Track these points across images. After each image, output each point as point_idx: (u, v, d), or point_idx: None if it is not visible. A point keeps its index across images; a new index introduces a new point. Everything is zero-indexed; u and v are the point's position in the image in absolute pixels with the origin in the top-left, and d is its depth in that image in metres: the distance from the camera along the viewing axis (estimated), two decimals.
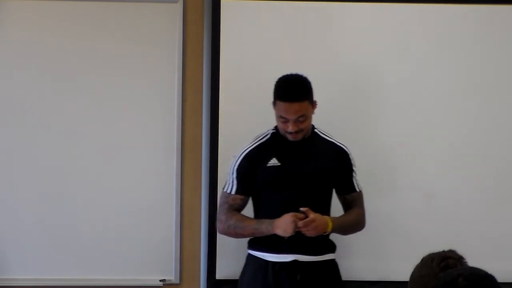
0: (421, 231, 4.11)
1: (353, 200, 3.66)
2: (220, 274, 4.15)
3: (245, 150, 3.69)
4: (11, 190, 4.19)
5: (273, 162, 3.61)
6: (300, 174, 3.57)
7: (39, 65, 4.21)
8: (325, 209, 3.59)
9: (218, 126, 4.17)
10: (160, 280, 4.23)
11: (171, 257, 4.22)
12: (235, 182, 3.68)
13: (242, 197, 3.67)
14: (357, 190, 3.68)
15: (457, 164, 4.19)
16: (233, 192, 3.68)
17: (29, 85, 4.21)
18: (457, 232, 4.12)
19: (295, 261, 3.53)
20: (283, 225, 3.47)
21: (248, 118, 4.16)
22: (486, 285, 1.97)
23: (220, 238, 4.13)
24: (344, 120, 4.13)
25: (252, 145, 3.68)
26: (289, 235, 3.48)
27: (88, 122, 4.21)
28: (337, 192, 3.68)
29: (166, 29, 4.24)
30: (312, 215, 3.45)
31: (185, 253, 4.25)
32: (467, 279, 1.96)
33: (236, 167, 3.67)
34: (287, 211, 3.49)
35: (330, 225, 3.49)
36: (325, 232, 3.50)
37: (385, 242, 4.11)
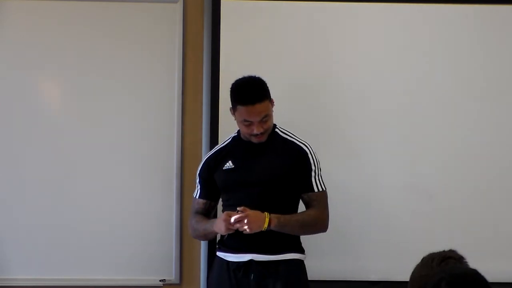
0: (421, 231, 4.11)
1: (310, 200, 3.59)
2: None
3: (206, 156, 3.75)
4: (11, 190, 4.19)
5: (228, 165, 3.63)
6: (253, 175, 3.56)
7: (39, 65, 4.21)
8: (281, 209, 3.54)
9: (218, 126, 4.17)
10: (160, 280, 4.23)
11: (171, 257, 4.22)
12: (198, 187, 3.74)
13: (204, 201, 3.71)
14: (316, 190, 3.59)
15: (457, 164, 4.19)
16: (197, 197, 3.74)
17: (29, 85, 4.20)
18: (457, 232, 4.12)
19: (250, 261, 3.54)
20: (218, 223, 3.51)
21: None
22: (470, 283, 1.95)
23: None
24: (344, 120, 4.13)
25: (213, 151, 3.74)
26: (224, 233, 3.51)
27: (88, 122, 4.21)
28: (298, 192, 3.64)
29: (166, 29, 4.24)
30: (248, 212, 3.45)
31: (185, 253, 4.25)
32: (450, 284, 1.94)
33: (198, 172, 3.74)
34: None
35: (267, 220, 3.46)
36: (262, 229, 3.46)
37: (385, 242, 4.11)
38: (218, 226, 3.51)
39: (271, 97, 3.57)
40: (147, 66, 4.23)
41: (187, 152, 4.26)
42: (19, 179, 4.19)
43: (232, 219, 3.45)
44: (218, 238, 3.72)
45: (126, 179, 4.21)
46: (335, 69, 4.18)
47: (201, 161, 3.79)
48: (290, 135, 3.65)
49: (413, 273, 2.32)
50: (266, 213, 3.48)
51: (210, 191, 3.70)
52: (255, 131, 3.52)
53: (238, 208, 3.47)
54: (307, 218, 3.56)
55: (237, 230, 3.46)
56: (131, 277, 4.21)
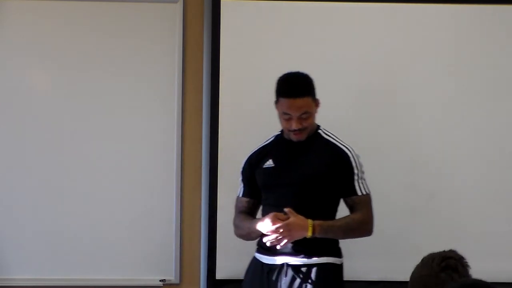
0: (421, 231, 4.12)
1: (354, 203, 3.54)
2: (220, 274, 4.15)
3: (249, 154, 3.68)
4: (11, 190, 4.19)
5: (269, 163, 3.58)
6: (292, 175, 3.52)
7: (39, 65, 4.21)
8: (319, 211, 3.50)
9: (218, 126, 4.17)
10: (160, 280, 4.23)
11: (171, 257, 4.23)
12: (242, 186, 3.69)
13: (247, 199, 3.66)
14: (359, 193, 3.54)
15: (457, 164, 4.19)
16: (240, 195, 3.68)
17: (28, 85, 4.21)
18: (457, 232, 4.12)
19: (284, 264, 3.51)
20: (262, 223, 3.47)
21: (248, 118, 4.16)
22: None
23: (220, 238, 4.14)
24: (344, 120, 4.13)
25: (255, 148, 3.67)
26: (269, 231, 3.43)
27: (88, 122, 4.21)
28: (339, 195, 3.62)
29: (166, 29, 4.24)
30: (292, 217, 3.40)
31: (185, 253, 4.25)
32: None
33: (241, 170, 3.68)
34: (279, 211, 3.46)
35: (310, 229, 3.41)
36: (305, 236, 3.41)
37: (385, 242, 4.10)
38: (263, 226, 3.45)
39: (317, 98, 3.51)
40: (147, 66, 4.23)
41: (187, 152, 4.26)
42: (19, 179, 4.19)
43: (273, 228, 3.38)
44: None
45: (126, 179, 4.21)
46: (335, 69, 4.18)
47: (244, 158, 3.69)
48: (333, 137, 3.59)
49: (413, 273, 2.32)
50: (309, 220, 3.41)
51: (253, 189, 3.63)
52: (293, 126, 3.46)
53: (285, 209, 3.41)
54: (351, 223, 3.50)
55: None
56: (131, 277, 4.21)
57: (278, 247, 3.41)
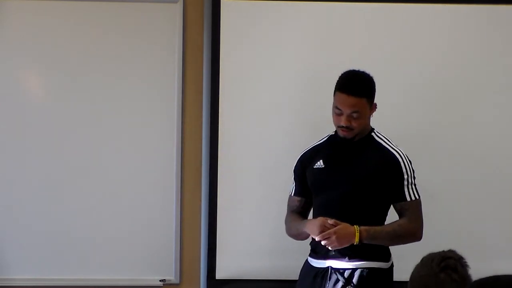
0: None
1: (402, 209, 3.49)
2: (220, 274, 4.15)
3: (302, 152, 3.64)
4: (11, 190, 4.19)
5: (319, 164, 3.53)
6: (341, 177, 3.48)
7: (39, 65, 4.21)
8: (367, 216, 3.45)
9: (218, 126, 4.17)
10: (160, 280, 4.23)
11: (171, 257, 4.22)
12: (293, 184, 3.64)
13: (299, 198, 3.62)
14: (409, 199, 3.49)
15: (457, 164, 4.19)
16: (292, 194, 3.65)
17: (29, 85, 4.21)
18: (457, 232, 4.12)
19: (329, 267, 3.49)
20: (311, 225, 3.44)
21: (248, 118, 4.16)
22: None
23: (220, 238, 4.14)
24: None
25: (308, 147, 3.62)
26: (316, 236, 3.40)
27: (88, 122, 4.21)
28: (389, 200, 3.54)
29: (166, 29, 4.24)
30: (338, 227, 3.36)
31: (185, 253, 4.25)
32: None
33: (293, 169, 3.64)
34: (326, 213, 3.43)
35: (357, 236, 3.37)
36: (352, 243, 3.37)
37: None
38: (311, 228, 3.43)
39: (374, 101, 3.49)
40: (147, 66, 4.23)
41: (187, 152, 4.26)
42: (19, 179, 4.19)
43: (317, 238, 3.36)
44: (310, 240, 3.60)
45: (126, 179, 4.21)
46: (335, 69, 4.17)
47: (298, 157, 3.66)
48: (386, 141, 3.54)
49: (412, 273, 2.32)
50: (355, 226, 3.38)
51: (305, 188, 3.59)
52: (342, 123, 3.42)
53: (329, 221, 3.38)
54: (398, 229, 3.46)
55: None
56: (131, 277, 4.21)
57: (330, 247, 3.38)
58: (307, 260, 3.57)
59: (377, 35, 4.20)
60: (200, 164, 4.21)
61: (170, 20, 4.24)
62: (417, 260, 2.35)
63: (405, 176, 3.47)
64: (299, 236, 3.58)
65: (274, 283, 4.16)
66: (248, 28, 4.20)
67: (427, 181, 4.16)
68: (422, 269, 2.29)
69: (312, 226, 3.41)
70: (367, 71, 3.50)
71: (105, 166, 4.20)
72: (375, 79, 4.12)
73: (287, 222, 3.64)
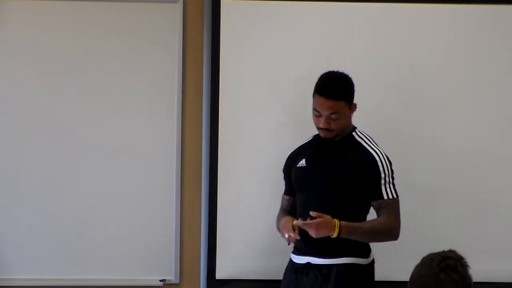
0: (422, 231, 4.11)
1: (380, 207, 3.54)
2: (220, 274, 4.15)
3: (290, 152, 3.72)
4: (11, 190, 4.19)
5: (302, 163, 3.61)
6: (320, 176, 3.54)
7: (39, 65, 4.21)
8: (346, 214, 3.49)
9: (218, 126, 4.17)
10: (160, 280, 4.23)
11: (171, 257, 4.23)
12: (284, 183, 3.73)
13: (288, 197, 3.71)
14: (386, 197, 3.54)
15: (457, 164, 4.19)
16: (283, 193, 3.74)
17: (29, 85, 4.21)
18: (457, 232, 4.12)
19: (307, 263, 3.53)
20: (281, 225, 3.53)
21: (248, 118, 4.16)
22: None
23: (220, 238, 4.14)
24: None
25: (296, 147, 3.71)
26: (283, 236, 3.50)
27: (88, 122, 4.21)
28: (367, 199, 3.58)
29: (166, 29, 4.24)
30: (319, 218, 3.41)
31: (185, 253, 4.25)
32: None
33: (282, 168, 3.73)
34: (305, 212, 3.48)
35: (337, 229, 3.42)
36: (330, 236, 3.42)
37: (385, 242, 4.10)
38: (281, 228, 3.53)
39: (353, 102, 3.53)
40: (147, 66, 4.23)
41: (187, 152, 4.26)
42: (19, 179, 4.19)
43: (302, 223, 3.41)
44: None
45: (126, 179, 4.21)
46: (335, 69, 4.17)
47: None
48: (365, 140, 3.60)
49: (413, 273, 2.32)
50: (336, 220, 3.43)
51: (292, 187, 3.68)
52: (321, 124, 3.51)
53: (310, 213, 3.43)
54: (376, 226, 3.52)
55: (301, 231, 3.43)
56: (131, 277, 4.21)
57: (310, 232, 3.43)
58: (290, 257, 3.64)
59: (377, 35, 4.20)
60: (200, 164, 4.21)
61: (170, 20, 4.24)
62: (417, 260, 2.35)
63: (382, 175, 3.52)
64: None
65: (274, 283, 4.14)
66: (248, 28, 4.20)
67: (427, 181, 4.17)
68: (422, 269, 2.29)
69: (282, 224, 3.52)
70: (346, 72, 3.54)
71: (105, 166, 4.20)
72: (376, 79, 4.14)
73: (277, 218, 3.71)
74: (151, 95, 4.23)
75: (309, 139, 3.70)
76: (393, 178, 3.56)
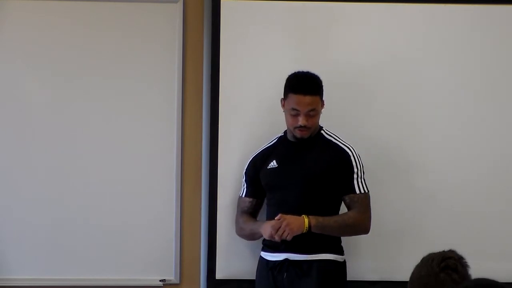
0: (422, 231, 4.11)
1: (351, 201, 3.66)
2: (220, 274, 4.15)
3: (253, 155, 3.81)
4: (11, 190, 4.18)
5: (273, 164, 3.71)
6: (295, 175, 3.62)
7: (39, 65, 4.21)
8: (322, 210, 3.61)
9: (218, 127, 4.17)
10: (160, 280, 4.23)
11: (171, 257, 4.22)
12: (244, 186, 3.81)
13: (250, 199, 3.78)
14: (358, 191, 3.67)
15: (457, 164, 4.18)
16: (243, 195, 3.81)
17: (29, 85, 4.20)
18: (458, 232, 4.12)
19: (285, 260, 3.57)
20: (265, 227, 3.60)
21: (248, 119, 4.16)
22: None
23: (220, 238, 4.13)
24: (344, 121, 4.12)
25: (259, 150, 3.81)
26: (268, 237, 3.58)
27: (88, 122, 4.21)
28: (340, 194, 3.68)
29: (166, 29, 4.23)
30: (287, 216, 3.53)
31: (185, 253, 4.25)
32: None
33: (244, 171, 3.81)
34: (281, 211, 3.59)
35: (306, 222, 3.53)
36: (302, 231, 3.53)
37: (385, 242, 4.10)
38: (265, 229, 3.59)
39: (323, 99, 3.67)
40: (147, 66, 4.22)
41: (187, 152, 4.25)
42: (19, 179, 4.19)
43: (267, 233, 3.54)
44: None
45: (126, 179, 4.21)
46: (335, 69, 4.17)
47: (248, 161, 3.87)
48: (335, 137, 3.72)
49: (413, 273, 2.32)
50: (303, 215, 3.53)
51: (256, 189, 3.76)
52: (300, 122, 3.58)
53: (276, 218, 3.55)
54: (347, 220, 3.62)
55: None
56: (131, 277, 4.21)
57: (278, 238, 3.52)
58: (260, 256, 3.72)
59: (378, 35, 4.20)
60: (200, 164, 4.21)
61: (170, 20, 4.24)
62: (417, 260, 2.35)
63: (355, 170, 3.65)
64: (252, 236, 3.77)
65: None
66: (248, 28, 4.20)
67: (427, 181, 4.17)
68: (422, 269, 2.29)
69: (266, 227, 3.58)
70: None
71: (105, 166, 4.20)
72: (377, 78, 4.15)
73: (238, 222, 3.81)
74: (151, 95, 4.23)
75: (274, 141, 3.80)
76: (364, 173, 3.68)
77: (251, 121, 4.15)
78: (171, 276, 4.24)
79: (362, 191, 3.67)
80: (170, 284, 4.24)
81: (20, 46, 4.21)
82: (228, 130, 4.17)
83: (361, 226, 3.68)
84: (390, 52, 4.20)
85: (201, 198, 4.20)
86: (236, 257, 4.12)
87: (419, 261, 2.34)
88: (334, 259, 3.64)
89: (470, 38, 4.22)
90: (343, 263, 3.71)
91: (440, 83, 4.20)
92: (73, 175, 4.19)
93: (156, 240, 4.21)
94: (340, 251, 3.68)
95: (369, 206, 3.71)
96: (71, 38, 4.21)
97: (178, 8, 4.24)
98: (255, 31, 4.19)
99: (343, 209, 3.79)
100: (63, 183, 4.19)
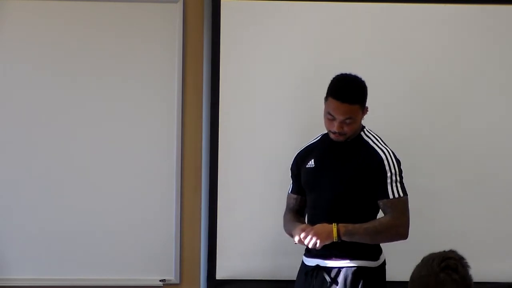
0: (422, 231, 4.11)
1: (385, 207, 3.49)
2: (220, 274, 4.15)
3: (297, 152, 3.67)
4: (11, 190, 4.19)
5: (311, 164, 3.57)
6: (329, 177, 3.50)
7: (39, 65, 4.21)
8: (356, 215, 3.48)
9: (218, 127, 4.17)
10: (160, 280, 4.23)
11: (171, 257, 4.23)
12: (291, 182, 3.68)
13: (295, 196, 3.66)
14: (391, 196, 3.47)
15: (457, 164, 4.19)
16: (290, 192, 3.69)
17: (29, 85, 4.21)
18: (458, 232, 4.12)
19: (317, 266, 3.52)
20: (294, 233, 3.49)
21: (248, 119, 4.16)
22: None
23: (220, 238, 4.14)
24: None
25: (303, 146, 3.66)
26: (298, 243, 3.48)
27: (88, 122, 4.21)
28: (374, 198, 3.53)
29: (166, 29, 4.24)
30: (315, 226, 3.43)
31: (185, 253, 4.25)
32: None
33: (290, 167, 3.68)
34: (316, 213, 3.51)
35: (335, 231, 3.40)
36: (332, 240, 3.41)
37: (393, 242, 4.10)
38: (295, 235, 3.49)
39: (366, 105, 3.50)
40: (147, 66, 4.23)
41: (187, 152, 4.26)
42: (19, 179, 4.19)
43: (296, 239, 3.43)
44: None
45: (126, 179, 4.21)
46: (335, 69, 4.17)
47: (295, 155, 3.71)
48: (373, 139, 3.56)
49: (413, 273, 2.32)
50: (333, 224, 3.42)
51: (300, 186, 3.64)
52: (335, 129, 3.45)
53: (301, 228, 3.46)
54: (378, 227, 3.46)
55: None
56: (131, 277, 4.21)
57: (310, 246, 3.43)
58: (302, 259, 3.62)
59: (378, 35, 4.20)
60: (200, 164, 4.21)
61: (170, 20, 4.24)
62: (417, 260, 2.35)
63: (388, 174, 3.46)
64: (292, 236, 3.60)
65: (274, 283, 4.16)
66: (248, 28, 4.20)
67: (427, 181, 4.17)
68: (423, 269, 2.29)
69: (296, 232, 3.46)
70: (359, 75, 3.49)
71: (105, 166, 4.20)
72: (376, 80, 4.13)
73: (284, 219, 3.68)
74: (151, 95, 4.23)
75: (317, 139, 3.65)
76: (401, 177, 3.50)
77: (251, 121, 4.16)
78: (171, 276, 4.24)
79: (397, 195, 3.47)
80: (170, 284, 4.25)
81: (20, 46, 4.21)
82: (228, 130, 4.17)
83: (395, 232, 3.50)
84: (391, 52, 4.20)
85: (201, 198, 4.21)
86: (236, 258, 4.12)
87: (420, 261, 2.33)
88: (365, 265, 3.50)
89: (470, 38, 4.23)
90: (377, 268, 3.55)
91: (441, 83, 4.20)
92: (73, 175, 4.19)
93: (156, 240, 4.21)
94: (374, 256, 3.53)
95: (406, 211, 3.50)
96: (71, 38, 4.21)
97: (178, 8, 4.24)
98: (255, 31, 4.20)
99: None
100: (63, 183, 4.19)
